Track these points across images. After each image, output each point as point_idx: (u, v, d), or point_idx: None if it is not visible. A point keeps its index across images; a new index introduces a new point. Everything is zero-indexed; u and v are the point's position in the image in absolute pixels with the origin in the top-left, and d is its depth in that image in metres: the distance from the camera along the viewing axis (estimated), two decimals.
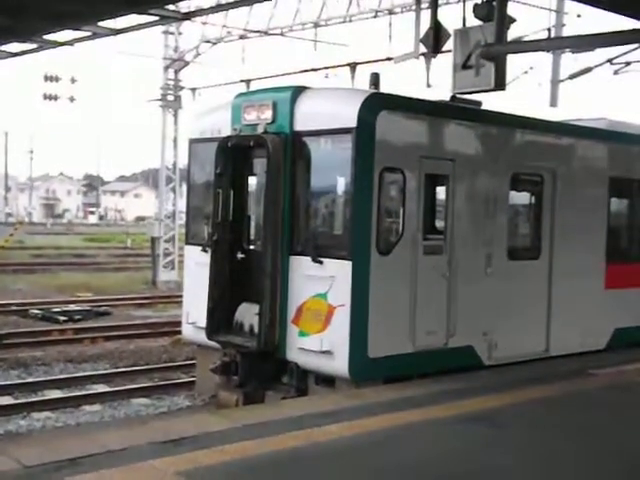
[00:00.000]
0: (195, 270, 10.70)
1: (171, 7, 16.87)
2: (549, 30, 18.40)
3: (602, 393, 9.54)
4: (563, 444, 7.25)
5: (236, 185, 10.23)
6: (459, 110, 10.44)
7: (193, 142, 11.08)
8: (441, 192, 10.26)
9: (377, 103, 9.33)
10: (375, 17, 21.01)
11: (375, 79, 10.26)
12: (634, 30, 8.87)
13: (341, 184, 9.44)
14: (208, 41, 24.98)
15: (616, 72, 19.67)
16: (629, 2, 8.98)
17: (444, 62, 11.28)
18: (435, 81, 15.59)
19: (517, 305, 10.72)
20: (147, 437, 6.85)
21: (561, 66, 21.26)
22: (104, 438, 6.87)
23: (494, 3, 9.16)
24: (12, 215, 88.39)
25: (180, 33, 26.52)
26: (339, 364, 8.98)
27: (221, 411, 9.20)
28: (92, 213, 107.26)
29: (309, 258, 9.25)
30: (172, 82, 26.96)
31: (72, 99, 34.18)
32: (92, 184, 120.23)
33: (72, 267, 31.55)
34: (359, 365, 9.00)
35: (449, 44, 10.25)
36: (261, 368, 9.76)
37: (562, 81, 21.06)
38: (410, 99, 9.92)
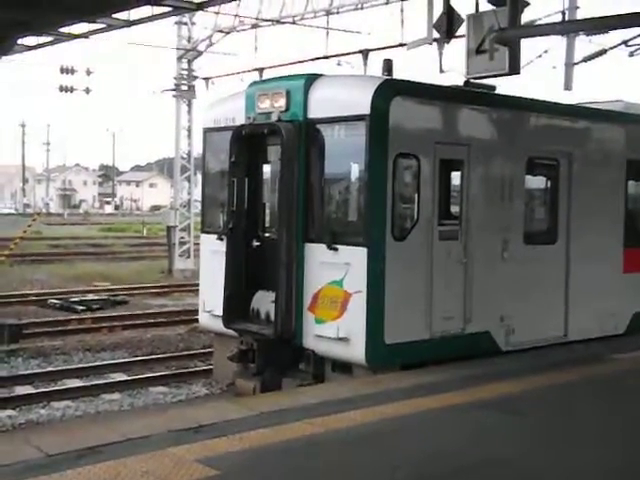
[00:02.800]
0: (211, 258, 10.74)
1: None
2: (563, 13, 18.23)
3: (624, 377, 9.49)
4: (583, 429, 7.26)
5: (251, 173, 10.26)
6: (473, 95, 10.40)
7: (207, 131, 11.10)
8: (456, 177, 10.21)
9: (390, 89, 9.30)
10: (387, 3, 20.89)
11: (388, 65, 10.25)
12: None
13: (355, 171, 9.47)
14: (221, 31, 24.93)
15: (632, 54, 19.46)
16: None
17: (457, 47, 11.24)
18: (448, 66, 15.52)
19: (534, 290, 10.66)
20: (167, 425, 6.89)
21: (575, 49, 21.08)
22: (124, 426, 6.91)
23: None
24: (30, 206, 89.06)
25: (193, 23, 26.51)
26: (356, 351, 8.98)
27: (239, 399, 9.26)
28: (108, 203, 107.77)
29: (324, 245, 9.27)
30: (186, 72, 26.96)
31: (88, 91, 34.18)
32: (107, 174, 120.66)
33: (89, 257, 31.73)
34: (376, 352, 8.99)
35: (462, 29, 10.21)
36: (278, 355, 9.77)
37: (577, 64, 20.88)
38: (424, 85, 9.89)
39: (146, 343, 15.41)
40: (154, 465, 5.87)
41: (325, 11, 21.93)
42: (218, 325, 10.37)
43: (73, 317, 17.98)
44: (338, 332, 9.05)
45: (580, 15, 19.97)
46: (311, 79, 9.66)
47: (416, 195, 9.47)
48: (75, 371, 13.06)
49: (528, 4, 9.42)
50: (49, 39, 19.46)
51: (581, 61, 20.76)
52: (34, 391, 11.89)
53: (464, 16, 10.02)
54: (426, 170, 9.43)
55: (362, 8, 21.45)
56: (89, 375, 12.91)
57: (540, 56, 20.27)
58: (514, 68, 9.31)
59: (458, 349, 9.73)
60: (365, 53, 20.32)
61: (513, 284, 10.35)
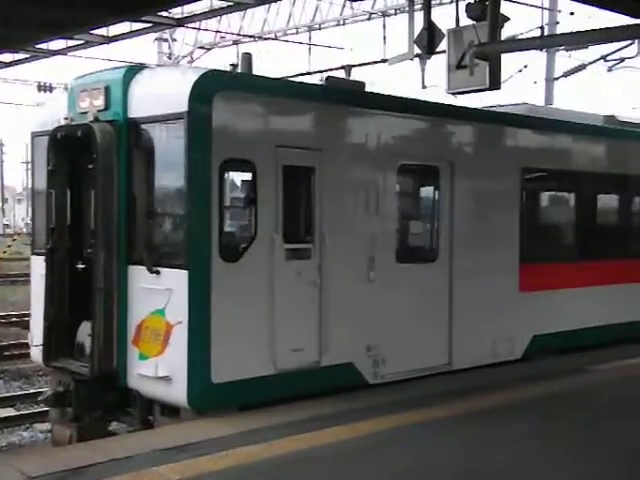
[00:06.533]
0: (40, 283, 9.06)
1: (164, 14, 17.01)
2: (542, 28, 18.43)
3: (600, 389, 9.37)
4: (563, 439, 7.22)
5: (75, 184, 8.80)
6: (327, 91, 9.12)
7: (35, 136, 9.46)
8: (307, 187, 8.67)
9: (214, 82, 7.96)
10: (369, 19, 21.05)
11: (248, 60, 8.96)
12: (626, 26, 8.88)
13: (177, 180, 7.96)
14: (202, 47, 24.96)
15: (610, 69, 19.69)
16: None
17: (440, 63, 11.27)
18: (431, 82, 15.60)
19: (410, 314, 9.37)
20: (151, 445, 6.84)
21: (556, 64, 21.32)
22: (108, 447, 6.86)
23: (487, 2, 9.15)
24: (9, 226, 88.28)
25: (174, 39, 26.49)
26: (177, 392, 7.67)
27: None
28: None
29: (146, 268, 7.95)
30: None
31: None
32: None
33: None
34: (201, 392, 7.70)
35: (443, 44, 10.26)
36: (100, 398, 8.33)
37: (557, 79, 21.09)
38: (260, 77, 8.62)
39: None
40: None
41: (307, 27, 22.05)
42: None
43: None
44: (157, 370, 7.75)
45: (560, 30, 20.22)
46: (132, 72, 8.26)
47: (253, 208, 8.07)
48: None
49: (508, 19, 9.44)
50: (26, 56, 19.42)
51: (561, 76, 20.98)
52: (16, 413, 11.63)
53: (445, 31, 10.06)
54: (265, 178, 8.06)
55: (344, 24, 21.61)
56: None
57: (520, 71, 20.47)
58: (494, 83, 9.29)
59: (313, 385, 8.44)
60: (348, 69, 20.41)
61: (383, 308, 9.04)
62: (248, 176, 8.18)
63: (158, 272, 7.86)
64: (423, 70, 16.39)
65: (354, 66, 20.20)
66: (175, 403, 7.86)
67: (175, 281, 7.72)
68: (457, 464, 6.64)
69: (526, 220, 10.94)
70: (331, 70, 20.89)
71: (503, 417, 8.06)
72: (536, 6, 17.42)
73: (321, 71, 21.02)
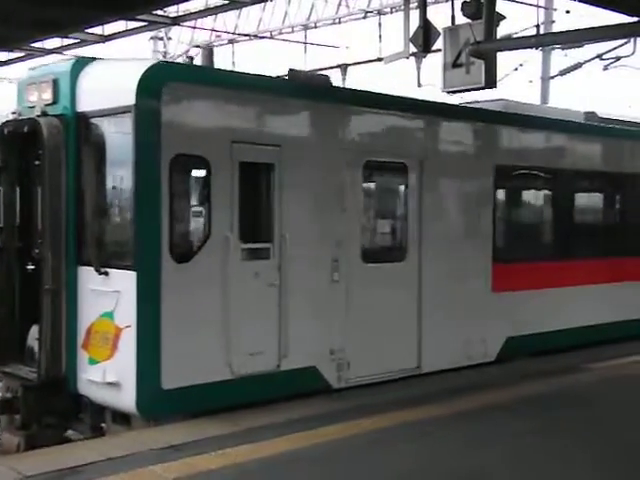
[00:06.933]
0: None
1: (159, 12, 17.01)
2: (538, 27, 18.45)
3: (596, 387, 9.36)
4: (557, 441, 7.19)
5: (27, 181, 8.45)
6: (287, 85, 8.78)
7: None
8: (266, 184, 8.37)
9: (163, 74, 7.66)
10: (365, 18, 21.03)
11: (208, 54, 8.67)
12: (621, 24, 8.90)
13: (126, 177, 7.63)
14: (198, 46, 24.88)
15: (606, 67, 19.71)
16: None
17: (436, 61, 11.25)
18: (427, 81, 15.60)
19: (377, 316, 9.04)
20: (148, 444, 6.80)
21: (551, 63, 21.33)
22: (104, 446, 6.83)
23: (482, 1, 9.16)
24: None
25: (169, 38, 26.41)
26: (126, 398, 7.38)
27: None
28: None
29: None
30: None
31: None
32: None
33: None
34: (150, 399, 7.40)
35: (439, 43, 10.26)
36: (50, 404, 7.96)
37: (552, 77, 21.10)
38: (214, 70, 8.36)
39: None
40: None
41: (303, 26, 22.03)
42: None
43: None
44: (105, 376, 7.47)
45: (555, 29, 20.23)
46: (80, 65, 7.97)
47: (206, 206, 7.78)
48: None
49: (504, 17, 9.43)
50: (21, 54, 19.38)
51: (557, 75, 20.99)
52: None
53: (441, 30, 10.07)
54: (220, 175, 7.77)
55: (340, 22, 21.59)
56: None
57: (516, 69, 20.47)
58: (490, 82, 9.30)
59: (273, 390, 8.15)
60: (343, 68, 20.39)
61: (347, 310, 8.76)
62: (201, 173, 7.91)
63: (107, 273, 7.58)
64: (419, 69, 16.40)
65: (350, 65, 20.17)
66: (124, 410, 7.56)
67: (123, 283, 7.42)
68: (459, 460, 6.69)
69: (500, 219, 10.67)
70: (326, 69, 20.91)
71: (498, 415, 8.05)
72: (532, 4, 17.43)
73: (316, 70, 21.03)
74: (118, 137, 7.75)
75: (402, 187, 9.70)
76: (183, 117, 7.62)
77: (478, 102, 11.37)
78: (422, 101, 10.09)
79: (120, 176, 7.78)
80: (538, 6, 17.94)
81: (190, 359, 7.55)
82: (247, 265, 7.99)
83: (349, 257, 8.82)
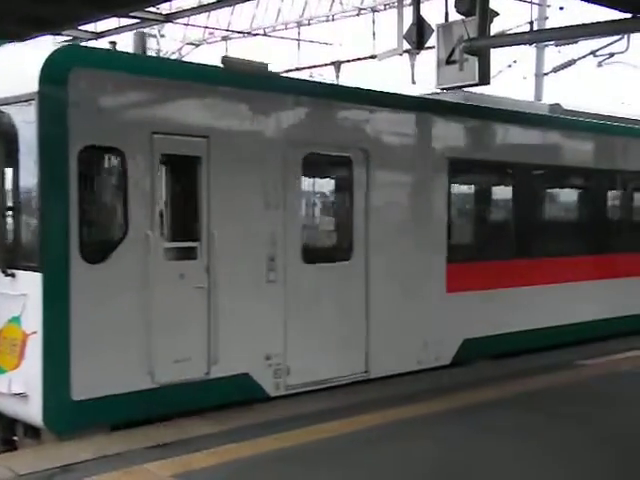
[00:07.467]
0: None
1: (152, 9, 16.95)
2: (531, 23, 18.48)
3: (591, 383, 9.36)
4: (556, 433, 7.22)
5: None
6: (214, 72, 8.13)
7: None
8: (193, 178, 7.82)
9: (71, 59, 7.03)
10: (358, 15, 21.01)
11: (141, 40, 8.34)
12: (615, 20, 8.90)
13: (31, 170, 6.98)
14: (191, 43, 24.84)
15: (600, 64, 19.75)
16: None
17: (430, 58, 11.20)
18: (421, 77, 15.62)
19: (320, 318, 8.54)
20: (142, 442, 6.75)
21: (545, 59, 21.36)
22: (97, 444, 6.70)
23: None
24: None
25: (162, 35, 26.36)
26: (33, 410, 6.78)
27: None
28: None
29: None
30: None
31: None
32: None
33: None
34: (58, 411, 6.79)
35: (432, 40, 10.26)
36: None
37: (546, 74, 21.14)
38: (132, 55, 7.86)
39: None
40: None
41: (296, 23, 22.00)
42: None
43: None
44: (11, 386, 6.87)
45: (549, 26, 20.23)
46: None
47: (122, 202, 7.19)
48: None
49: (497, 14, 9.46)
50: None
51: (550, 71, 21.03)
52: None
53: (434, 26, 10.07)
54: (138, 168, 7.18)
55: (333, 20, 21.57)
56: None
57: (510, 66, 20.50)
58: (484, 78, 9.32)
59: (202, 399, 7.61)
60: (337, 65, 20.37)
61: (285, 313, 8.23)
62: (116, 165, 7.25)
63: (13, 275, 7.02)
64: (412, 65, 16.41)
65: (343, 62, 20.16)
66: (32, 423, 6.97)
67: (29, 285, 6.83)
68: (460, 455, 6.70)
69: (454, 216, 10.15)
70: (320, 66, 20.89)
71: (489, 411, 8.04)
72: (525, 1, 17.43)
73: (310, 67, 21.01)
74: (22, 127, 7.07)
75: (347, 181, 9.08)
76: (94, 106, 7.00)
77: (437, 94, 10.63)
78: (368, 91, 9.38)
79: (26, 169, 7.11)
80: (532, 2, 17.97)
81: (105, 368, 6.97)
82: (171, 265, 7.46)
83: (287, 256, 8.28)
